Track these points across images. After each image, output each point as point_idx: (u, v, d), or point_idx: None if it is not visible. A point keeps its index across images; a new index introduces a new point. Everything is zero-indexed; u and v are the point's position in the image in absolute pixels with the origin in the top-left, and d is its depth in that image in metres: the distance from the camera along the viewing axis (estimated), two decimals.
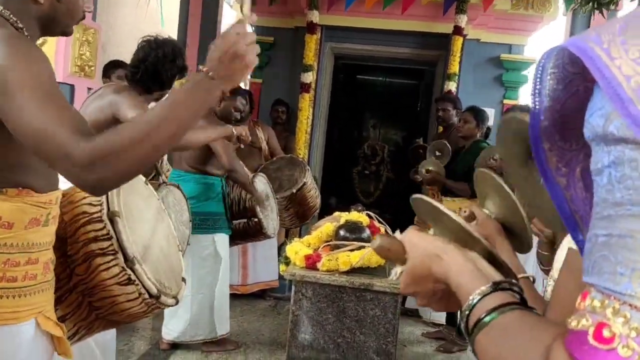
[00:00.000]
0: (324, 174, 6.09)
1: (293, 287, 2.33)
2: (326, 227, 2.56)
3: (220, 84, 1.12)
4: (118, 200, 1.62)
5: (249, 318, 4.36)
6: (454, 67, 5.10)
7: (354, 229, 2.46)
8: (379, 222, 2.70)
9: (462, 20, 5.13)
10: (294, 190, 4.14)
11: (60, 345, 1.36)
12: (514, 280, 0.60)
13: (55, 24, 1.32)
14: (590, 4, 4.47)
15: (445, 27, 5.30)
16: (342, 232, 2.45)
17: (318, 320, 2.28)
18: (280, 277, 4.22)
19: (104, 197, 1.59)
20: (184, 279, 1.88)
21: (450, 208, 3.28)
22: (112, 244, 1.54)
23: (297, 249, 2.42)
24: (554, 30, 6.12)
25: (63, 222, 1.58)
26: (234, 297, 4.27)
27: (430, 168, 4.09)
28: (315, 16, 5.26)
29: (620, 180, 0.41)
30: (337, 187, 7.32)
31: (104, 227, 1.57)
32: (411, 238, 0.69)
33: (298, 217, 4.38)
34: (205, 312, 3.40)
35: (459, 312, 0.60)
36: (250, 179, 3.53)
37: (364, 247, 2.36)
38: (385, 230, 2.64)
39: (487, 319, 0.54)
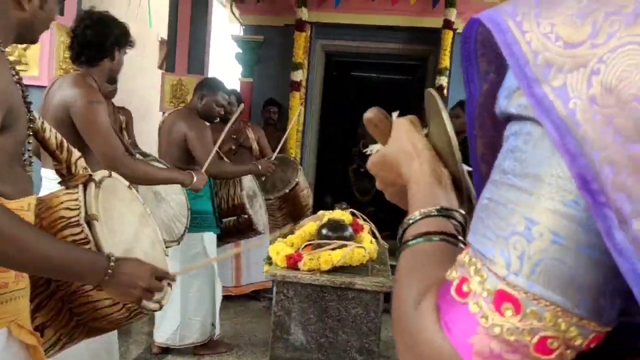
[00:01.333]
0: (320, 173, 6.06)
1: (275, 288, 2.31)
2: (309, 226, 2.53)
3: (105, 283, 1.17)
4: (96, 204, 1.60)
5: (243, 320, 4.34)
6: (445, 62, 5.07)
7: (336, 227, 2.43)
8: (363, 219, 2.66)
9: (452, 14, 5.10)
10: (287, 190, 4.12)
11: (35, 354, 1.34)
12: (461, 211, 0.59)
13: (32, 31, 1.31)
14: None
15: (435, 22, 5.27)
16: (324, 231, 2.42)
17: (300, 321, 2.25)
18: None
19: (82, 201, 1.57)
20: (170, 285, 1.84)
21: None
22: (89, 248, 1.52)
23: (279, 249, 2.39)
24: None
25: (42, 228, 1.55)
26: (227, 298, 4.24)
27: None
28: (304, 13, 5.23)
29: (513, 150, 0.42)
30: (333, 186, 7.29)
31: (82, 231, 1.54)
32: (400, 127, 0.69)
33: (292, 217, 4.35)
34: (195, 314, 3.38)
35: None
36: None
37: (346, 245, 2.33)
38: (370, 229, 2.61)
39: (412, 242, 0.54)
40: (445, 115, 0.64)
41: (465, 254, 0.44)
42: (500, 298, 0.40)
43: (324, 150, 6.55)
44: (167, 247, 2.00)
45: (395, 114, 0.74)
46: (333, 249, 2.32)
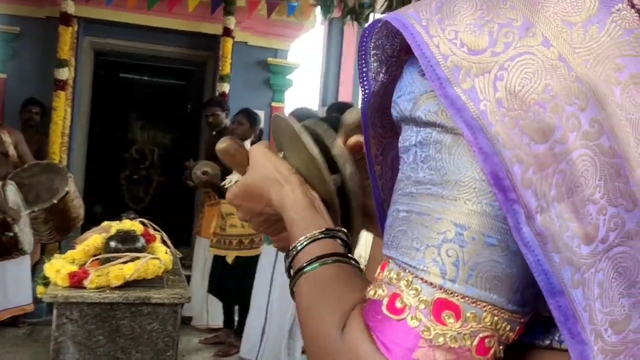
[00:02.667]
0: (88, 180, 5.57)
1: (55, 311, 2.03)
2: (94, 239, 2.29)
3: None
4: None
5: None
6: (226, 69, 5.10)
7: (126, 238, 2.24)
8: (154, 229, 2.51)
9: (231, 22, 5.15)
10: (55, 201, 3.65)
11: None
12: (344, 229, 0.59)
13: None
14: (349, 15, 4.86)
15: (214, 28, 5.27)
16: (112, 244, 2.21)
17: (87, 345, 2.02)
18: (37, 300, 3.70)
19: None
20: None
21: (228, 210, 3.22)
22: None
23: (59, 266, 2.11)
24: (313, 37, 6.53)
25: None
26: None
27: (207, 170, 3.99)
28: (70, 6, 4.76)
29: (424, 160, 0.42)
30: (103, 194, 6.76)
31: None
32: (258, 153, 0.65)
33: (58, 231, 3.89)
34: None
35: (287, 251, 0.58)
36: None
37: (138, 257, 2.16)
38: (161, 238, 2.47)
39: (308, 268, 0.52)
40: (305, 136, 0.63)
41: (388, 270, 0.43)
42: (440, 307, 0.40)
43: (94, 156, 6.04)
44: None
45: (247, 142, 0.72)
46: (124, 263, 2.13)
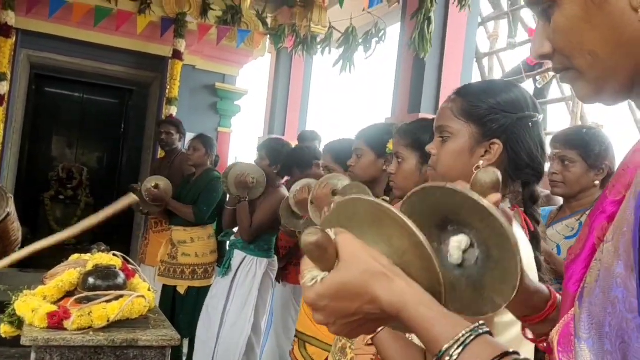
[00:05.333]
0: (16, 199, 5.18)
1: (33, 355, 1.87)
2: (68, 274, 2.14)
3: None
4: None
5: None
6: (174, 92, 4.98)
7: (106, 274, 2.11)
8: (129, 263, 2.38)
9: (181, 45, 5.06)
10: None
11: None
12: (482, 321, 0.55)
13: None
14: (300, 46, 4.93)
15: (162, 50, 5.15)
16: (91, 280, 2.08)
17: None
18: None
19: None
20: None
21: (181, 238, 3.10)
22: None
23: (35, 305, 1.95)
24: (261, 64, 6.53)
25: None
26: None
27: (158, 183, 3.84)
28: (10, 17, 4.48)
29: None
30: (26, 215, 6.32)
31: None
32: (349, 245, 0.57)
33: None
34: None
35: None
36: None
37: (122, 295, 2.05)
38: (136, 271, 2.34)
39: None
40: (406, 219, 0.56)
41: None
42: None
43: (24, 174, 5.65)
44: None
45: (330, 231, 0.60)
46: (108, 302, 2.01)
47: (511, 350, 0.51)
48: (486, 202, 0.57)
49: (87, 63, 5.20)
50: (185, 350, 4.02)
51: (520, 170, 1.13)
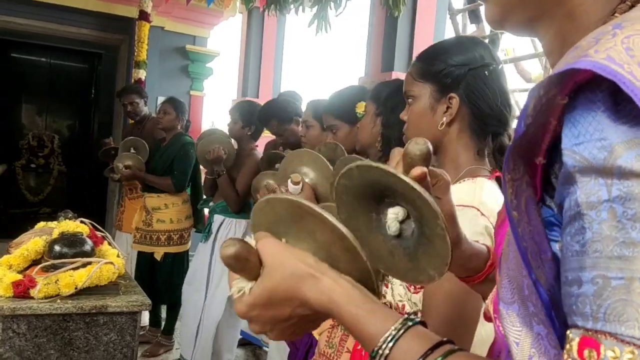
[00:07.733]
0: None
1: (0, 324, 1.84)
2: (34, 242, 2.09)
3: None
4: None
5: None
6: (143, 55, 4.83)
7: (73, 242, 2.07)
8: (97, 230, 2.33)
9: (148, 6, 4.89)
10: None
11: None
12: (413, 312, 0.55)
13: None
14: (273, 5, 4.79)
15: (129, 11, 4.99)
16: (57, 248, 2.03)
17: None
18: None
19: None
20: None
21: (154, 205, 3.03)
22: None
23: (0, 274, 1.92)
24: (232, 25, 6.37)
25: None
26: None
27: (129, 163, 3.77)
28: None
29: (634, 218, 0.38)
30: None
31: None
32: (271, 250, 0.56)
33: None
34: None
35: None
36: None
37: (90, 262, 2.01)
38: (104, 238, 2.30)
39: None
40: (325, 212, 0.54)
41: (605, 349, 0.38)
42: None
43: None
44: None
45: (249, 238, 0.59)
46: (75, 269, 1.97)
47: (445, 339, 0.50)
48: (407, 178, 0.55)
49: (52, 26, 5.02)
50: (163, 315, 4.03)
51: (485, 123, 1.13)
